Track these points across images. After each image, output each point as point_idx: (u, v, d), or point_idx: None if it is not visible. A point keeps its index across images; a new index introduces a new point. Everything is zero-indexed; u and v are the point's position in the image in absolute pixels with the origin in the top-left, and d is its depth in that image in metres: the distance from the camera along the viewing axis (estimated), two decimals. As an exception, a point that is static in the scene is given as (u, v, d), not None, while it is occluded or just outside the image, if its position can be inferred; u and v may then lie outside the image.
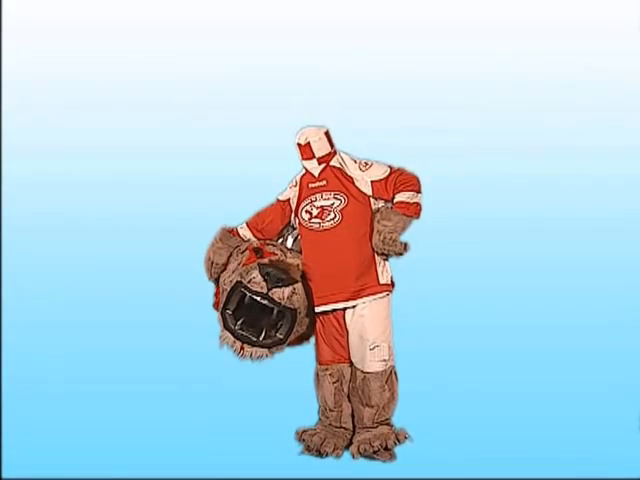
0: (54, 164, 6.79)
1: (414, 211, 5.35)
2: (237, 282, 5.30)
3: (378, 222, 5.30)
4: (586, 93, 6.67)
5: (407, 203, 5.34)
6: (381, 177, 5.38)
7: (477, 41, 6.76)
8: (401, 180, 5.36)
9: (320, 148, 5.43)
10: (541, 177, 6.67)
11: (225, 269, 5.48)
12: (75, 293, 6.51)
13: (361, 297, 5.35)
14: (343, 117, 6.06)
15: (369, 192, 5.38)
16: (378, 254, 5.35)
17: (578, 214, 6.56)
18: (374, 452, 5.29)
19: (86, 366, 6.12)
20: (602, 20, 6.67)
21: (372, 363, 5.37)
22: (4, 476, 5.19)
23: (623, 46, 6.55)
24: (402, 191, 5.34)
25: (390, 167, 5.42)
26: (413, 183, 5.36)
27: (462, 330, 6.23)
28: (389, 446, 5.29)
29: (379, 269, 5.38)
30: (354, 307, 5.38)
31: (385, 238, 5.27)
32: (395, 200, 5.35)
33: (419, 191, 5.36)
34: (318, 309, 5.41)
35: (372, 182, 5.39)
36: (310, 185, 5.45)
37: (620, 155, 6.60)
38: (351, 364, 5.45)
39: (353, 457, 5.32)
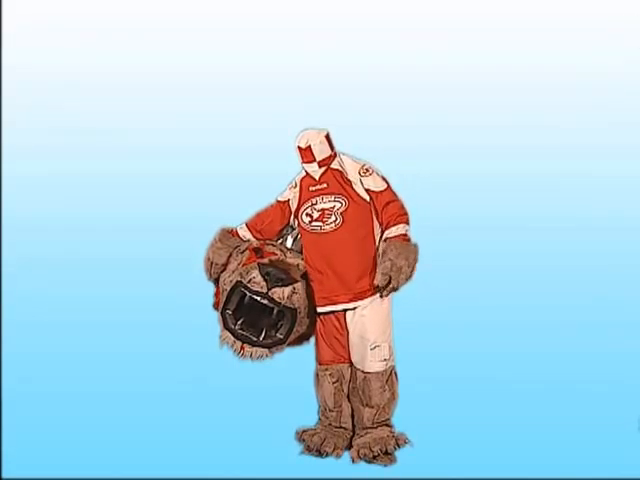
0: (54, 164, 6.79)
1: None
2: (237, 282, 5.29)
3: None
4: (584, 93, 6.68)
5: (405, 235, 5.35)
6: (376, 189, 5.38)
7: (475, 41, 6.77)
8: (397, 211, 5.35)
9: (321, 151, 5.42)
10: (540, 177, 6.68)
11: (225, 269, 5.48)
12: (75, 293, 6.51)
13: (363, 299, 5.35)
14: (343, 117, 6.07)
15: (366, 197, 5.38)
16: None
17: (577, 214, 6.56)
18: (374, 457, 5.29)
19: (86, 366, 6.12)
20: (601, 20, 6.68)
21: (372, 363, 5.37)
22: (4, 476, 5.19)
23: (622, 45, 6.57)
24: (401, 223, 5.34)
25: (387, 183, 5.40)
26: (406, 213, 5.37)
27: (462, 330, 6.24)
28: (389, 451, 5.29)
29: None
30: (355, 307, 5.38)
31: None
32: (399, 233, 5.33)
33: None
34: (320, 310, 5.41)
35: (367, 190, 5.38)
36: (311, 188, 5.45)
37: (619, 155, 6.62)
38: (351, 364, 5.45)
39: (353, 461, 5.32)
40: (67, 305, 6.45)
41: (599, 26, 6.70)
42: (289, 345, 5.45)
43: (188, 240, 6.00)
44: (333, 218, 5.37)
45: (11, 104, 6.50)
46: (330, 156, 5.45)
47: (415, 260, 5.27)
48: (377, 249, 5.36)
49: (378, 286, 5.27)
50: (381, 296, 5.32)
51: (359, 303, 5.35)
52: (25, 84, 6.75)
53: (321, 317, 5.46)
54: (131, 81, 6.86)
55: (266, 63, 6.81)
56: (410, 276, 5.26)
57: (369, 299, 5.35)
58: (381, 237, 5.36)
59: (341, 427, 5.48)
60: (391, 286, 5.23)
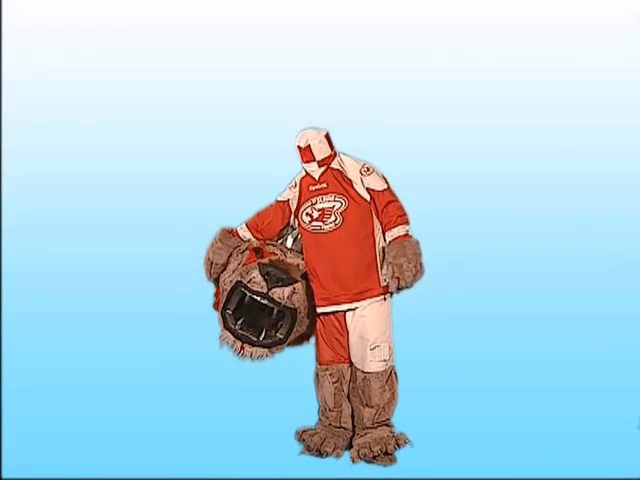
0: (54, 164, 6.79)
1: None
2: (237, 282, 5.30)
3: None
4: (583, 93, 6.69)
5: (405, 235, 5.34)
6: (377, 189, 5.37)
7: (474, 42, 6.78)
8: (396, 212, 5.35)
9: (320, 151, 5.42)
10: (540, 177, 6.69)
11: (225, 269, 5.48)
12: (75, 293, 6.51)
13: (363, 299, 5.34)
14: (343, 118, 6.08)
15: (366, 196, 5.38)
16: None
17: (575, 213, 6.57)
18: (374, 457, 5.29)
19: (86, 366, 6.13)
20: (599, 20, 6.69)
21: (372, 363, 5.37)
22: (4, 476, 5.19)
23: (621, 45, 6.58)
24: (401, 224, 5.34)
25: (387, 183, 5.40)
26: (405, 214, 5.37)
27: (462, 330, 6.24)
28: (389, 451, 5.29)
29: (380, 271, 5.38)
30: (355, 308, 5.38)
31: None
32: (399, 234, 5.33)
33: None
34: (320, 310, 5.41)
35: (367, 189, 5.37)
36: (310, 188, 5.45)
37: (619, 155, 6.62)
38: (351, 364, 5.45)
39: (353, 461, 5.32)
40: (67, 305, 6.45)
41: (599, 26, 6.70)
42: (289, 345, 5.45)
43: (188, 240, 6.00)
44: (333, 218, 5.37)
45: (11, 104, 6.49)
46: (330, 156, 5.45)
47: (415, 254, 5.24)
48: (378, 249, 5.37)
49: (391, 291, 5.29)
50: (391, 295, 5.35)
51: (359, 304, 5.35)
52: (25, 84, 6.75)
53: (321, 317, 5.46)
54: (131, 81, 6.86)
55: (266, 63, 6.81)
56: (417, 269, 5.24)
57: (369, 300, 5.35)
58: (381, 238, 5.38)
59: (341, 427, 5.48)
60: (402, 286, 5.23)
